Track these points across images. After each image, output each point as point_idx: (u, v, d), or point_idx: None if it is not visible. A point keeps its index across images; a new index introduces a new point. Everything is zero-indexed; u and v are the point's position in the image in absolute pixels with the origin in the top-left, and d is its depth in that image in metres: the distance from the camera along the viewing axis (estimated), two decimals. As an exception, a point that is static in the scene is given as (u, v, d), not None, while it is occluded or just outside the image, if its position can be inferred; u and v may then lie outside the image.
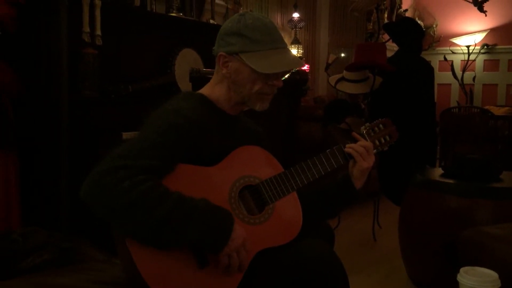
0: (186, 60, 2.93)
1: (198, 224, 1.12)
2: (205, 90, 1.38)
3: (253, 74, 1.29)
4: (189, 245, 1.15)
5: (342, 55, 6.06)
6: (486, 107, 5.36)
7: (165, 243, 1.12)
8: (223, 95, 1.35)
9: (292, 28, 4.94)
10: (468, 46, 6.47)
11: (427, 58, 4.24)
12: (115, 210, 1.08)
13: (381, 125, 1.50)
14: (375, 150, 1.47)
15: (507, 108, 5.52)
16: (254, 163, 1.33)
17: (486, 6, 5.75)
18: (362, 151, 1.40)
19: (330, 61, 4.47)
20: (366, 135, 1.47)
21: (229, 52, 1.29)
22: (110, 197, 1.07)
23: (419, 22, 5.66)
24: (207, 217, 1.13)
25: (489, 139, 4.59)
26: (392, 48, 4.42)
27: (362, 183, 1.45)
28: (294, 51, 4.74)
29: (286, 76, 2.95)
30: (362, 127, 1.48)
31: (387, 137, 1.50)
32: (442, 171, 2.53)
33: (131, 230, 1.11)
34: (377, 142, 1.48)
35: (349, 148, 1.41)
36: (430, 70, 3.44)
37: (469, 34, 6.51)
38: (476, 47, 6.49)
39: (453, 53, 6.64)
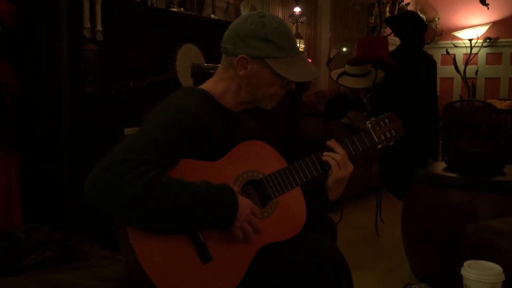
0: (187, 56, 2.92)
1: (204, 205, 1.13)
2: (207, 85, 1.37)
3: (272, 78, 1.30)
4: (201, 228, 1.16)
5: (344, 49, 6.03)
6: (489, 100, 5.34)
7: (175, 229, 1.14)
8: (230, 92, 1.34)
9: (294, 23, 4.93)
10: (470, 40, 6.45)
11: (429, 52, 4.23)
12: (121, 203, 1.08)
13: (386, 120, 1.50)
14: (380, 145, 1.47)
15: (509, 101, 5.51)
16: (258, 158, 1.33)
17: (488, -1, 5.73)
18: (340, 159, 1.37)
19: (331, 56, 4.45)
20: (371, 130, 1.47)
21: (254, 55, 1.27)
22: (114, 192, 1.07)
23: (421, 15, 5.63)
24: (211, 197, 1.15)
25: (492, 133, 4.58)
26: (394, 42, 4.40)
27: (339, 194, 1.42)
28: (296, 46, 4.72)
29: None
30: (368, 122, 1.48)
31: (393, 132, 1.50)
32: (445, 165, 2.53)
33: (139, 222, 1.11)
34: (382, 137, 1.48)
35: (326, 156, 1.39)
36: (433, 64, 3.42)
37: (471, 27, 6.48)
38: (478, 41, 6.46)
39: (455, 46, 6.62)
